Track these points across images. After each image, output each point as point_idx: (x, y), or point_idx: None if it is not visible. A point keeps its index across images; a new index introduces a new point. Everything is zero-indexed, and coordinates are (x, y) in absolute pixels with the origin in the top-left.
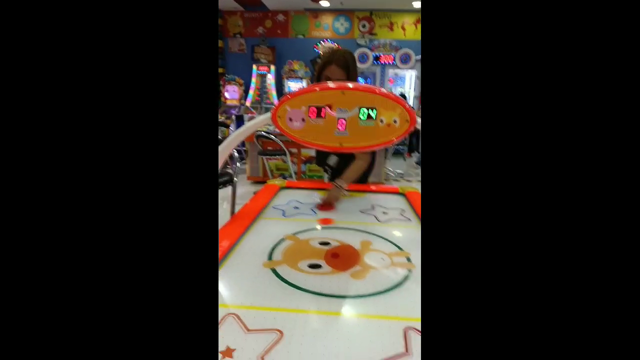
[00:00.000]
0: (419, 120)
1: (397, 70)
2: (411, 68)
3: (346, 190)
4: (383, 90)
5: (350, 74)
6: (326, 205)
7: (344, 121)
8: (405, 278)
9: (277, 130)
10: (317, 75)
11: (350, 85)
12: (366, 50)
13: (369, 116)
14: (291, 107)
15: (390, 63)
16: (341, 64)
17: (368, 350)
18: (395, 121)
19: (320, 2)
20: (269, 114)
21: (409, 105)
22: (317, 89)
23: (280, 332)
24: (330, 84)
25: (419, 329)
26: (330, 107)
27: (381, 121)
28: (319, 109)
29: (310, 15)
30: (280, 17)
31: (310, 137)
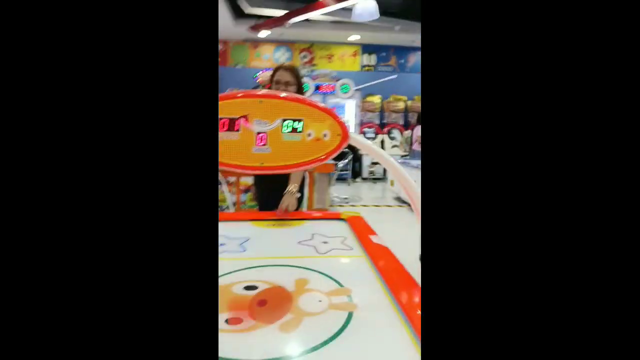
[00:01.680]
0: (353, 136)
1: (338, 100)
2: (350, 97)
3: (297, 193)
4: (308, 99)
5: (298, 79)
6: (282, 213)
7: (264, 135)
8: (345, 324)
9: None
10: (270, 83)
11: (263, 92)
12: (307, 80)
13: (293, 129)
14: None
15: (331, 92)
16: (289, 69)
17: None
18: (325, 135)
19: (260, 32)
20: None
21: (340, 118)
22: (223, 98)
23: None
24: (239, 93)
25: None
26: (246, 118)
27: (309, 135)
28: (231, 121)
29: (251, 46)
30: (220, 46)
31: (222, 156)
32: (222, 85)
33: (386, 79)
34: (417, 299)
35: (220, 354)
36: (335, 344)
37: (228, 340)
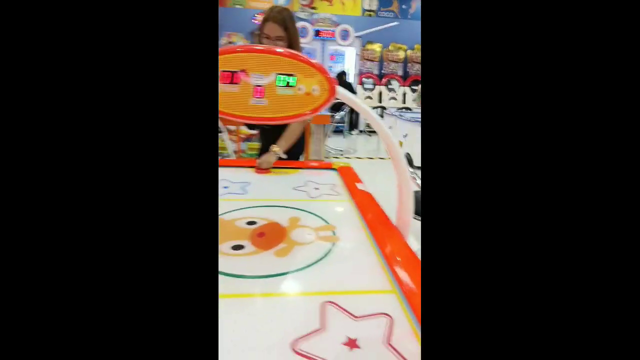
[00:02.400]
0: (339, 91)
1: (338, 47)
2: (350, 45)
3: (283, 154)
4: (302, 55)
5: (290, 31)
6: (261, 169)
7: (261, 88)
8: (328, 252)
9: None
10: (258, 36)
11: (262, 48)
12: (306, 24)
13: (287, 83)
14: None
15: (331, 38)
16: (278, 21)
17: (282, 331)
18: (314, 90)
19: None
20: None
21: (329, 74)
22: (224, 52)
23: None
24: (239, 47)
25: (336, 301)
26: (245, 72)
27: (299, 89)
28: (232, 74)
29: None
30: None
31: (223, 106)
32: (222, 27)
33: (387, 25)
34: (390, 236)
35: (227, 272)
36: (319, 266)
37: (233, 262)
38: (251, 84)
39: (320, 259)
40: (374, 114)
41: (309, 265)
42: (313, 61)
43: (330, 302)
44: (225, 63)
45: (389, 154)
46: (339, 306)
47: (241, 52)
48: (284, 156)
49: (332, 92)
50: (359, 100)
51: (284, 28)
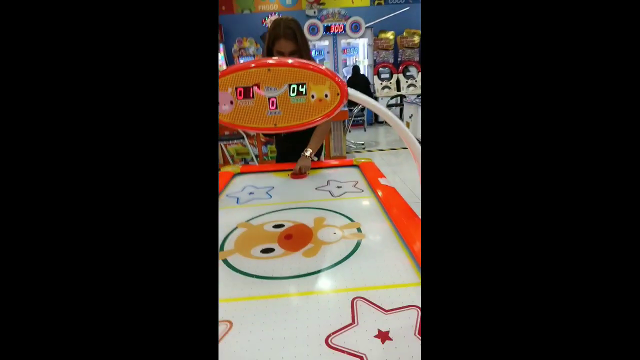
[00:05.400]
0: (351, 92)
1: (349, 40)
2: (361, 37)
3: (314, 156)
4: (310, 64)
5: (299, 42)
6: (298, 174)
7: (274, 100)
8: (355, 249)
9: None
10: (267, 53)
11: (272, 61)
12: (316, 21)
13: (298, 92)
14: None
15: (341, 32)
16: (289, 36)
17: (316, 327)
18: (326, 95)
19: None
20: None
21: (339, 78)
22: (236, 69)
23: (230, 322)
24: (252, 63)
25: (366, 297)
26: (258, 86)
27: (312, 96)
28: (246, 90)
29: None
30: None
31: (241, 120)
32: (230, 34)
33: (398, 12)
34: (416, 229)
35: (260, 274)
36: (347, 264)
37: (263, 265)
38: (265, 97)
39: (348, 256)
40: (386, 110)
41: (337, 264)
42: (322, 67)
43: (360, 297)
44: (239, 79)
45: (409, 148)
46: (369, 301)
47: (254, 67)
48: (315, 158)
49: (344, 94)
50: (370, 99)
51: (295, 42)
